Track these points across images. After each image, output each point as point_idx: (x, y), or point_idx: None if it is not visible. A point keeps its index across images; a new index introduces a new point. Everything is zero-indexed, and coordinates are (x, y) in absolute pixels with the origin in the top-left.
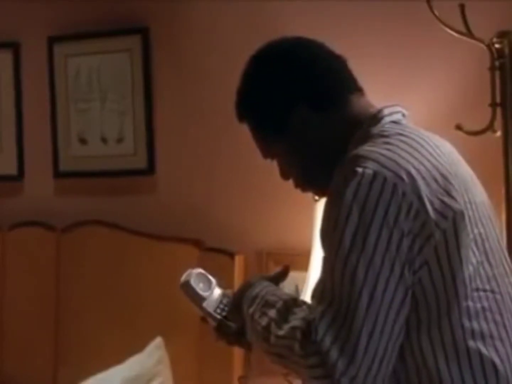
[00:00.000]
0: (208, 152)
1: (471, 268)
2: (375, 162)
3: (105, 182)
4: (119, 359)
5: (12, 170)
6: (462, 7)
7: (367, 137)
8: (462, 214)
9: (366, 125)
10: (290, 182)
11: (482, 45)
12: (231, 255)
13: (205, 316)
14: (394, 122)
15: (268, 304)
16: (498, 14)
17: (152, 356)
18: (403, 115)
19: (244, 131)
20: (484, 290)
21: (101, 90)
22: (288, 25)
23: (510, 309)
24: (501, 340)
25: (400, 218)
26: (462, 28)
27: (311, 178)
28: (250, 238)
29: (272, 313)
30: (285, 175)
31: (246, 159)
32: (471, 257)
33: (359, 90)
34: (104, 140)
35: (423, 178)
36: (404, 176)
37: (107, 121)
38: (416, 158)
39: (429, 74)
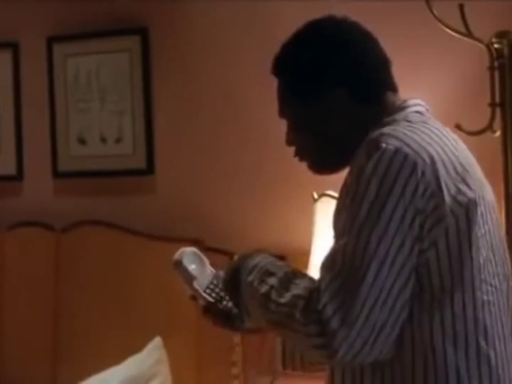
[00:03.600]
0: (207, 152)
1: (481, 259)
2: (398, 139)
3: (104, 182)
4: (118, 359)
5: (11, 170)
6: (461, 7)
7: (391, 122)
8: (475, 204)
9: (391, 113)
10: (288, 182)
11: (481, 45)
12: (230, 255)
13: (195, 295)
14: (417, 112)
15: (268, 273)
16: (497, 14)
17: (151, 356)
18: (427, 109)
19: (243, 131)
20: (491, 285)
21: (100, 90)
22: (288, 25)
23: (504, 308)
24: (498, 335)
25: (416, 196)
26: (461, 28)
27: (317, 155)
28: (249, 238)
29: (273, 281)
30: (290, 141)
31: (246, 159)
32: (482, 250)
33: (395, 90)
34: (103, 140)
35: (443, 162)
36: (425, 157)
37: (106, 121)
38: (437, 143)
39: (428, 74)
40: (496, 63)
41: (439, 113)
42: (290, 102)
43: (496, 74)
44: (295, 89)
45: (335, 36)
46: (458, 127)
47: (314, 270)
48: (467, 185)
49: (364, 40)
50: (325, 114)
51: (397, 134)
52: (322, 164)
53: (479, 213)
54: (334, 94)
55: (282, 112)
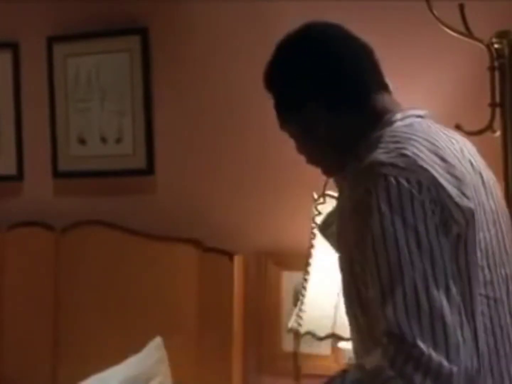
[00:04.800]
0: (207, 152)
1: (473, 270)
2: (393, 166)
3: (104, 182)
4: (118, 359)
5: (12, 170)
6: (461, 7)
7: (378, 142)
8: (473, 215)
9: (378, 129)
10: (288, 182)
11: (481, 45)
12: (230, 255)
13: None
14: (406, 126)
15: None
16: (497, 14)
17: (151, 356)
18: (420, 116)
19: (243, 131)
20: (480, 294)
21: (100, 90)
22: (288, 25)
23: (505, 315)
24: (487, 345)
25: (436, 211)
26: (461, 28)
27: (316, 162)
28: (249, 238)
29: None
30: (298, 151)
31: (246, 159)
32: (475, 260)
33: (384, 88)
34: (103, 140)
35: (441, 175)
36: (424, 174)
37: (106, 121)
38: (426, 161)
39: (428, 74)
40: (496, 63)
41: (439, 113)
42: (282, 116)
43: (496, 74)
44: (279, 104)
45: (308, 49)
46: (458, 127)
47: (314, 270)
48: (465, 196)
49: (340, 47)
50: (311, 124)
51: (390, 161)
52: (328, 168)
53: (476, 221)
54: (312, 105)
55: (281, 126)
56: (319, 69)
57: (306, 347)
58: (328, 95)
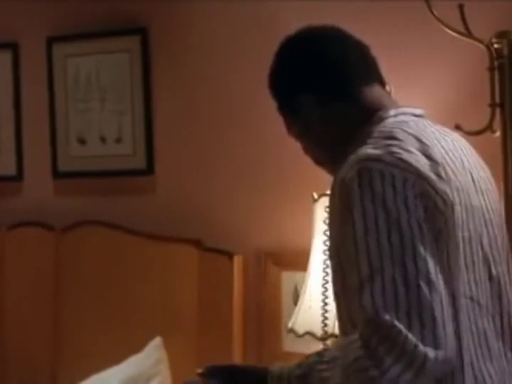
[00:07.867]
0: (207, 152)
1: (454, 268)
2: (379, 161)
3: (104, 182)
4: (118, 359)
5: (11, 170)
6: (461, 7)
7: (368, 137)
8: (452, 214)
9: (370, 124)
10: (288, 182)
11: (481, 45)
12: (230, 256)
13: None
14: (398, 122)
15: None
16: (497, 14)
17: (151, 356)
18: (415, 115)
19: (243, 131)
20: (464, 295)
21: (100, 90)
22: (288, 25)
23: (487, 316)
24: (472, 341)
25: (420, 206)
26: (461, 28)
27: (318, 159)
28: (249, 238)
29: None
30: (305, 153)
31: (246, 159)
32: (456, 259)
33: (376, 82)
34: (103, 140)
35: (426, 171)
36: (410, 170)
37: (106, 121)
38: (413, 156)
39: (428, 74)
40: (496, 63)
41: (439, 113)
42: (285, 119)
43: (496, 74)
44: (279, 104)
45: (299, 46)
46: (458, 127)
47: (314, 271)
48: (446, 194)
49: (330, 43)
50: (307, 121)
51: (377, 156)
52: (331, 168)
53: (456, 219)
54: (304, 98)
55: (287, 129)
56: (308, 62)
57: (306, 347)
58: (318, 86)
